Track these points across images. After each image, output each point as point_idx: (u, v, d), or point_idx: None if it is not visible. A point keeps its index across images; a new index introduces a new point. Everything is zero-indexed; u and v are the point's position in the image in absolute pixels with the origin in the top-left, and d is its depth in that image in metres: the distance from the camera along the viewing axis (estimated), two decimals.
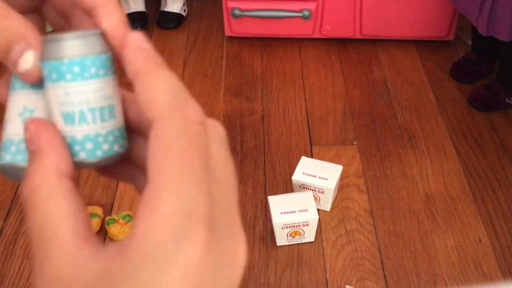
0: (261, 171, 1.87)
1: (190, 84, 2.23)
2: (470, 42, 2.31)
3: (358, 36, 2.41)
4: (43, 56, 0.27)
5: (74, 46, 0.26)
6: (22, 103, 0.28)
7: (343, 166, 1.75)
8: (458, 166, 1.89)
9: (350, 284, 1.56)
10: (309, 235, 1.63)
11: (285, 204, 1.58)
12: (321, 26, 2.38)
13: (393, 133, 2.02)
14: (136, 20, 2.55)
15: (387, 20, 2.35)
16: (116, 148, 0.28)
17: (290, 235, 1.61)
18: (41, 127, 0.26)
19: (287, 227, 1.57)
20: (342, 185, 1.80)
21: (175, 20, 2.57)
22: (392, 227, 1.70)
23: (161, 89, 0.24)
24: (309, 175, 1.68)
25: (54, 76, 0.26)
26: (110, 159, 0.28)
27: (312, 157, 1.88)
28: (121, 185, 1.82)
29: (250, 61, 2.37)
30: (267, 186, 1.81)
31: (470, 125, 2.05)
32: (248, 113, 2.09)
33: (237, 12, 2.34)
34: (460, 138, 2.00)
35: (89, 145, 0.27)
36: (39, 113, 0.28)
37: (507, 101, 2.08)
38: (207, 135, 0.25)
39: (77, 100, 0.26)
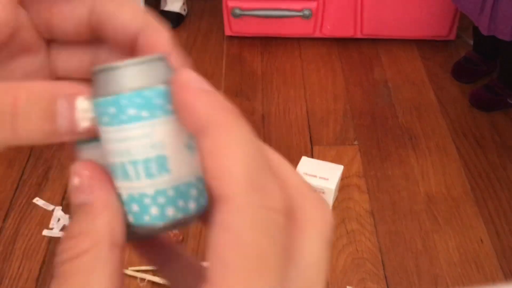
0: None
1: None
2: (471, 42, 2.30)
3: (358, 35, 2.40)
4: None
5: (109, 81, 0.21)
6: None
7: (344, 166, 1.74)
8: (459, 166, 1.88)
9: (351, 285, 1.55)
10: None
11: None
12: (321, 26, 2.38)
13: (394, 133, 2.01)
14: None
15: (388, 19, 2.34)
16: (171, 213, 0.21)
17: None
18: (96, 175, 0.21)
19: None
20: (343, 185, 1.79)
21: (175, 19, 2.57)
22: (393, 227, 1.69)
23: (237, 158, 0.18)
24: (310, 175, 1.67)
25: (97, 118, 0.21)
26: (161, 228, 0.21)
27: (312, 157, 1.87)
28: None
29: (250, 61, 2.36)
30: None
31: (471, 125, 2.04)
32: (248, 113, 2.09)
33: (237, 11, 2.33)
34: (461, 138, 1.99)
35: (135, 208, 0.21)
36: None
37: (509, 101, 2.08)
38: (298, 228, 0.19)
39: (117, 149, 0.21)
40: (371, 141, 1.98)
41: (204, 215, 0.22)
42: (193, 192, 0.22)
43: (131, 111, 0.21)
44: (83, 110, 0.21)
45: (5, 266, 1.58)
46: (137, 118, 0.21)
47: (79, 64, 0.26)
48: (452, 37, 2.40)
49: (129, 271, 1.51)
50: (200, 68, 2.32)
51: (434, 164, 1.89)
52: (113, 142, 0.21)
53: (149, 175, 0.21)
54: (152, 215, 0.21)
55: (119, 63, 0.21)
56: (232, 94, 2.18)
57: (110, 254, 0.20)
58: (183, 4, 2.62)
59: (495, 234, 1.68)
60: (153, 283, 1.51)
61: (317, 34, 2.41)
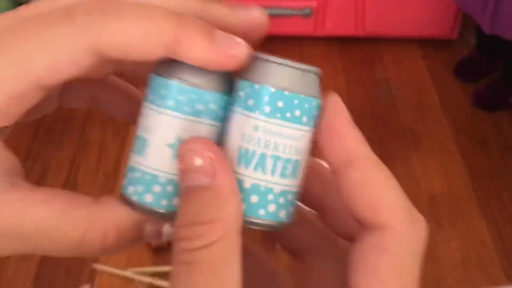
0: None
1: None
2: (474, 41, 2.29)
3: (360, 33, 2.39)
4: (242, 72, 0.22)
5: (288, 76, 0.23)
6: (174, 130, 0.22)
7: None
8: (461, 167, 1.87)
9: None
10: None
11: None
12: (322, 24, 2.37)
13: (395, 133, 2.00)
14: None
15: (390, 18, 2.33)
16: (282, 215, 0.22)
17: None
18: (221, 163, 0.20)
19: None
20: None
21: None
22: None
23: (394, 191, 0.21)
24: None
25: (251, 102, 0.22)
26: (270, 226, 0.22)
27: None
28: (119, 185, 1.80)
29: None
30: None
31: (474, 125, 2.03)
32: None
33: None
34: (464, 138, 1.98)
35: (254, 199, 0.22)
36: None
37: (511, 101, 2.07)
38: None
39: (264, 140, 0.22)
40: (372, 141, 1.93)
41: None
42: (295, 203, 0.23)
43: (298, 113, 0.22)
44: (167, 234, 0.22)
45: (2, 268, 1.57)
46: (299, 121, 0.22)
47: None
48: (454, 36, 2.38)
49: (128, 273, 1.50)
50: None
51: (436, 164, 1.88)
52: (263, 132, 0.22)
53: (283, 175, 0.22)
54: (268, 212, 0.22)
55: (297, 64, 0.23)
56: None
57: (239, 240, 0.20)
58: None
59: (498, 235, 1.67)
60: (152, 286, 1.50)
61: (318, 33, 2.39)
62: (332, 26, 2.37)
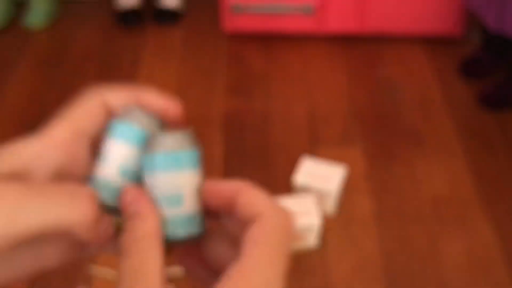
0: (261, 171, 1.83)
1: (188, 82, 2.20)
2: (479, 40, 2.27)
3: (362, 31, 2.36)
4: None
5: (171, 142, 0.32)
6: (124, 156, 0.33)
7: (347, 167, 1.71)
8: (466, 168, 1.85)
9: None
10: (312, 240, 1.60)
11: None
12: (324, 21, 2.35)
13: (399, 134, 1.98)
14: (131, 16, 2.51)
15: (393, 15, 2.31)
16: (180, 232, 0.32)
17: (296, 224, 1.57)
18: (141, 194, 0.32)
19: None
20: (346, 188, 1.76)
21: (172, 16, 2.53)
22: (398, 230, 1.67)
23: (263, 198, 0.31)
24: (311, 175, 1.63)
25: (150, 163, 0.32)
26: (176, 240, 0.32)
27: (315, 158, 1.84)
28: None
29: (250, 59, 2.33)
30: (268, 187, 1.79)
31: (478, 125, 2.01)
32: (249, 112, 2.06)
33: (236, 7, 2.30)
34: (469, 139, 1.96)
35: (171, 223, 0.32)
36: (135, 174, 0.33)
37: None
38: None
39: (164, 187, 0.32)
40: (375, 141, 1.95)
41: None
42: (194, 221, 0.33)
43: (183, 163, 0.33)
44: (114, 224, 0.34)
45: None
46: (185, 168, 0.33)
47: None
48: (459, 34, 2.36)
49: None
50: (198, 66, 2.29)
51: (440, 165, 1.86)
52: (163, 182, 0.32)
53: (170, 205, 0.32)
54: (183, 229, 0.32)
55: (176, 132, 0.33)
56: (232, 93, 2.15)
57: (157, 241, 0.30)
58: (180, 1, 2.58)
59: (503, 237, 1.66)
60: None
61: (320, 30, 2.37)
62: (334, 23, 2.35)
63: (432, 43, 2.39)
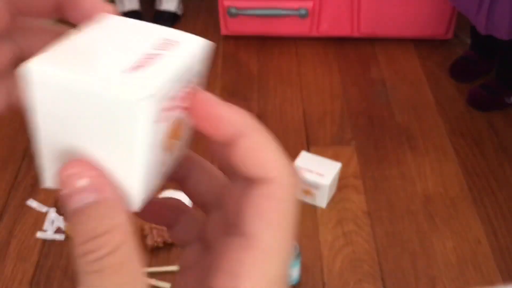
0: None
1: None
2: (469, 41, 2.29)
3: (356, 34, 2.39)
4: None
5: None
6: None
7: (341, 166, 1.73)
8: (456, 167, 1.87)
9: (347, 286, 1.54)
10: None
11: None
12: (318, 25, 2.37)
13: (391, 133, 2.00)
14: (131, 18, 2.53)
15: (385, 18, 2.33)
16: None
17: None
18: (102, 177, 0.22)
19: None
20: (340, 186, 1.78)
21: (170, 19, 2.55)
22: (390, 228, 1.68)
23: (275, 152, 0.24)
24: (306, 170, 1.67)
25: None
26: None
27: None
28: None
29: (246, 61, 2.35)
30: None
31: (469, 125, 2.03)
32: None
33: (233, 10, 2.32)
34: (459, 138, 1.98)
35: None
36: None
37: (507, 100, 2.07)
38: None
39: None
40: (368, 141, 1.97)
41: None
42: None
43: None
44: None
45: None
46: None
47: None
48: (449, 36, 2.39)
49: None
50: None
51: (431, 164, 1.88)
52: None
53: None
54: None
55: None
56: (228, 94, 2.16)
57: (135, 240, 0.22)
58: (179, 3, 2.60)
59: (493, 234, 1.67)
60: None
61: (314, 34, 2.39)
62: (328, 27, 2.37)
63: (424, 44, 2.41)
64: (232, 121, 0.24)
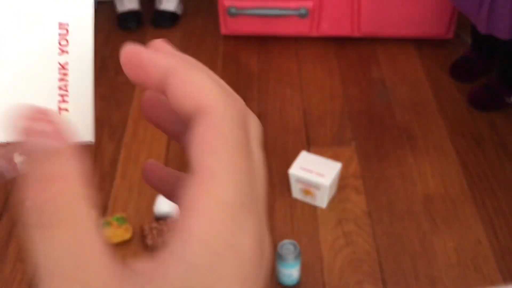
0: None
1: None
2: (469, 41, 2.29)
3: (356, 34, 2.38)
4: None
5: None
6: None
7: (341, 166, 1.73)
8: (457, 167, 1.87)
9: (347, 287, 1.54)
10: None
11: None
12: (318, 25, 2.36)
13: (391, 133, 2.00)
14: (130, 19, 2.53)
15: (386, 18, 2.33)
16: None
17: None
18: (61, 127, 0.22)
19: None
20: (340, 186, 1.78)
21: (170, 18, 2.55)
22: (391, 228, 1.68)
23: (203, 79, 0.23)
24: (306, 170, 1.67)
25: None
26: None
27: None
28: (115, 187, 1.80)
29: (246, 60, 2.35)
30: None
31: (470, 125, 2.03)
32: None
33: (233, 10, 2.32)
34: (460, 138, 1.98)
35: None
36: None
37: (507, 100, 2.07)
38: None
39: None
40: (368, 141, 1.97)
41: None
42: None
43: None
44: (20, 162, 0.24)
45: None
46: None
47: None
48: (450, 36, 2.38)
49: None
50: None
51: (432, 164, 1.88)
52: None
53: None
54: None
55: None
56: None
57: (86, 191, 0.21)
58: (179, 3, 2.60)
59: (494, 235, 1.67)
60: None
61: (314, 33, 2.39)
62: (328, 26, 2.37)
63: (424, 44, 2.41)
64: (158, 64, 0.23)
